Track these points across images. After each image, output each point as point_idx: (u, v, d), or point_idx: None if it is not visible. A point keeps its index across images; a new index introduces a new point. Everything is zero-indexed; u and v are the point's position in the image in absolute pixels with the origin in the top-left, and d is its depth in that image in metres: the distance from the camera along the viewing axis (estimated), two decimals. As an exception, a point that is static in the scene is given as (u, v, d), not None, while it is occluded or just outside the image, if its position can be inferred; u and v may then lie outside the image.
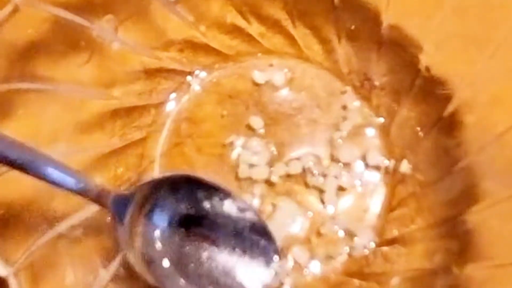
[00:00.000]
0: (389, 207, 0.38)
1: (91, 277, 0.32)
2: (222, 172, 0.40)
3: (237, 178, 0.39)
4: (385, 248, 0.36)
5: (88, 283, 0.32)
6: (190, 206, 0.35)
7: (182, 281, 0.34)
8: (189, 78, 0.42)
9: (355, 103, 0.40)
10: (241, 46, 0.42)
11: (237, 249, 0.35)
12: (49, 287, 0.30)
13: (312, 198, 0.39)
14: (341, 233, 0.38)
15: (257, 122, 0.40)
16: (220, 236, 0.35)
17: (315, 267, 0.37)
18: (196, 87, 0.42)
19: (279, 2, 0.40)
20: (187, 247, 0.35)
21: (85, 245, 0.33)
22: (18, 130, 0.32)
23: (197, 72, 0.42)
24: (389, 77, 0.39)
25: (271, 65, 0.42)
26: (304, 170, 0.39)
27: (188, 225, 0.35)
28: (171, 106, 0.41)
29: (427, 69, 0.36)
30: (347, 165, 0.39)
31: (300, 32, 0.41)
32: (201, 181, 0.34)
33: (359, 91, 0.40)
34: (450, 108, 0.35)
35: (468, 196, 0.33)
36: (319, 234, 0.38)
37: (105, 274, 0.33)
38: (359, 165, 0.39)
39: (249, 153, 0.40)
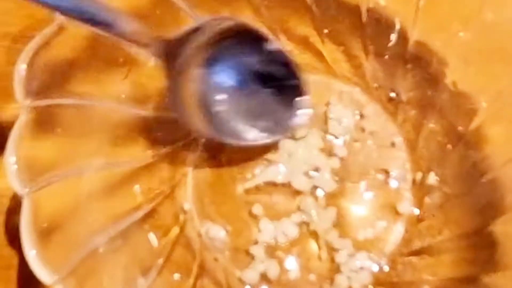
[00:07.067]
0: (417, 219, 0.38)
1: (131, 285, 0.33)
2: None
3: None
4: (413, 258, 0.37)
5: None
6: (245, 53, 0.37)
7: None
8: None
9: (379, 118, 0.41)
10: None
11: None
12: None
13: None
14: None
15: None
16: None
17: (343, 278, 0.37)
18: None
19: (307, 19, 0.40)
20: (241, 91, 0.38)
21: (124, 255, 0.33)
22: (58, 145, 0.33)
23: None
24: (415, 92, 0.40)
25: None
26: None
27: (242, 70, 0.38)
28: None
29: (454, 83, 0.37)
30: (375, 176, 0.40)
31: (328, 48, 0.41)
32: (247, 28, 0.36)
33: (385, 106, 0.41)
34: (476, 122, 0.36)
35: (494, 208, 0.34)
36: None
37: (144, 282, 0.33)
38: (387, 177, 0.39)
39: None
